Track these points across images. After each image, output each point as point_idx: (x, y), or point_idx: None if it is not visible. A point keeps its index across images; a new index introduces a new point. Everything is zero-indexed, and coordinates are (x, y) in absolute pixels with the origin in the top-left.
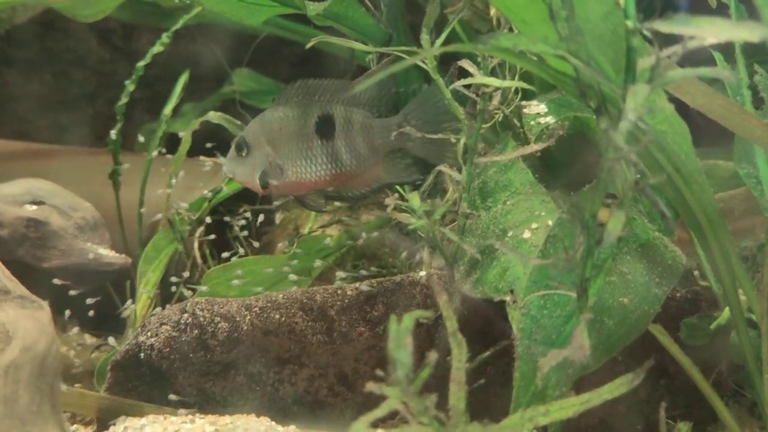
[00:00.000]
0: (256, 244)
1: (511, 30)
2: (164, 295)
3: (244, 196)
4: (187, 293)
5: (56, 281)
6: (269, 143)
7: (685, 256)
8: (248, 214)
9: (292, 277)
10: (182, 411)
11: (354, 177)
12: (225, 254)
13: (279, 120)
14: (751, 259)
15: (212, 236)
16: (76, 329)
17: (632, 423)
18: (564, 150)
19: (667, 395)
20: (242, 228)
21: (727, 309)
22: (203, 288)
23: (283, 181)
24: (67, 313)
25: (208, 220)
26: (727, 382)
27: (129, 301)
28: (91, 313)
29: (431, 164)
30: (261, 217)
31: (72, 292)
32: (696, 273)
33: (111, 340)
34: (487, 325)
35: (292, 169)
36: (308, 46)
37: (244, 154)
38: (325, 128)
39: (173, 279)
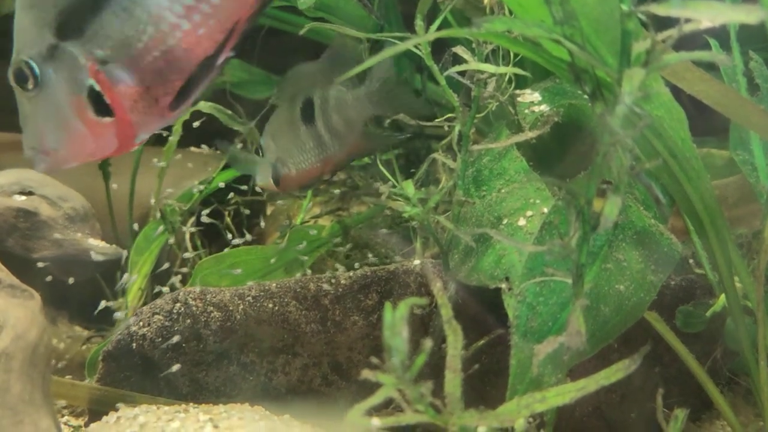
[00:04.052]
0: (248, 237)
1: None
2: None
3: (235, 186)
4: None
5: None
6: (273, 140)
7: (680, 244)
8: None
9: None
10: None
11: (340, 155)
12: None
13: (277, 114)
14: (746, 246)
15: (203, 225)
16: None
17: (626, 411)
18: (558, 138)
19: (661, 383)
20: (233, 218)
21: (722, 296)
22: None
23: (288, 175)
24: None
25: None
26: (722, 370)
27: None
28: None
29: (402, 125)
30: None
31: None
32: (691, 261)
33: None
34: (481, 313)
35: (291, 162)
36: (301, 32)
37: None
38: (308, 112)
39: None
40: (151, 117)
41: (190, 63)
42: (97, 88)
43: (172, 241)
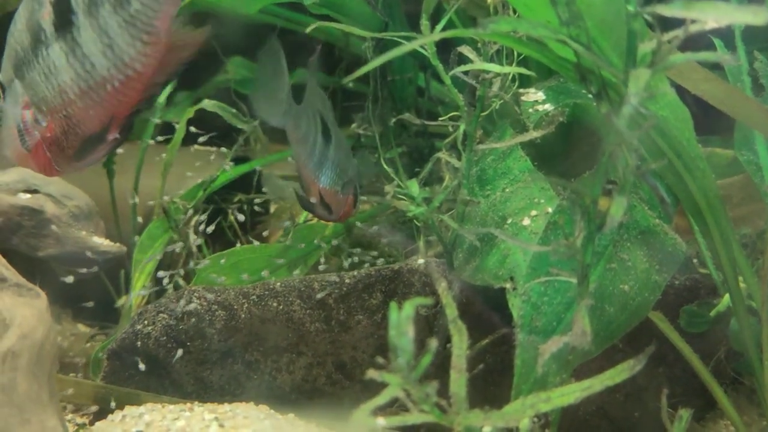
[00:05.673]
0: (255, 242)
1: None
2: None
3: (239, 185)
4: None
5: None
6: None
7: (684, 244)
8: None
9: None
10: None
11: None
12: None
13: None
14: (750, 245)
15: (208, 223)
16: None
17: (630, 411)
18: (563, 137)
19: (665, 383)
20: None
21: (726, 296)
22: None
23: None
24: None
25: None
26: (726, 370)
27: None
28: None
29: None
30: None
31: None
32: (695, 261)
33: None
34: (486, 312)
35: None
36: (308, 31)
37: None
38: None
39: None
40: (62, 159)
41: (83, 131)
42: (22, 126)
43: (177, 240)
